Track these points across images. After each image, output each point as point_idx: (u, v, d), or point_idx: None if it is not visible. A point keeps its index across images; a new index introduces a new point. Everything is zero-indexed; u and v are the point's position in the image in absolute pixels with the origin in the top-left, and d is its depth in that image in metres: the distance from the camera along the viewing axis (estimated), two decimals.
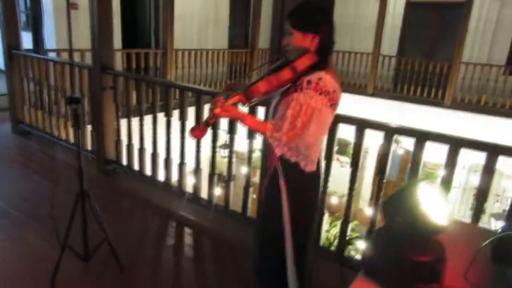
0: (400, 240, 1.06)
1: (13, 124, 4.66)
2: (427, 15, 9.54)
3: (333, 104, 1.50)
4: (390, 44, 9.82)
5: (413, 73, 8.66)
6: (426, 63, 8.53)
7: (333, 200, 8.12)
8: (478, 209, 2.05)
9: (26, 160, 4.00)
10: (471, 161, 6.95)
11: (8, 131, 4.74)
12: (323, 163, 1.85)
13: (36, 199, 3.15)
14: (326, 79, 1.46)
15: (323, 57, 1.51)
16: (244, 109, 1.59)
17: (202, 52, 7.52)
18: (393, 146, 7.84)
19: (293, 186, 1.59)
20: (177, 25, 7.36)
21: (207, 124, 1.58)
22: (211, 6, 9.09)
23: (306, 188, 1.62)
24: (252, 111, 2.41)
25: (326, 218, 7.71)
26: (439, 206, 1.06)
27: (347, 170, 2.50)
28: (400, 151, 8.70)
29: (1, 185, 3.37)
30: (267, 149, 1.69)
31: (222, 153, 7.65)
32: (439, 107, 8.08)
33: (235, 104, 1.53)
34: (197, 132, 1.58)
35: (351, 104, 8.70)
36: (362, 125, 2.30)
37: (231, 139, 2.86)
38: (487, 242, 1.08)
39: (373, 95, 8.95)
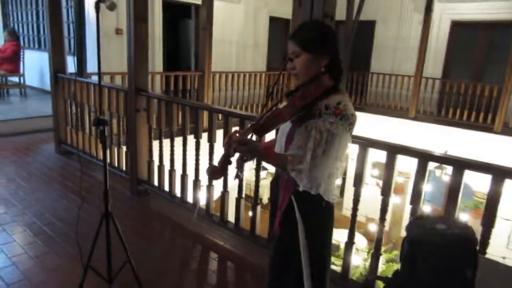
0: None
1: (57, 144, 4.89)
2: (474, 35, 9.12)
3: (352, 128, 1.41)
4: (434, 66, 9.45)
5: (459, 96, 8.23)
6: (473, 86, 8.10)
7: (372, 228, 7.77)
8: None
9: (66, 180, 4.15)
10: None
11: (52, 151, 4.98)
12: (348, 190, 1.73)
13: (70, 219, 3.23)
14: (345, 102, 1.37)
15: (337, 79, 1.43)
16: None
17: (239, 75, 7.61)
18: (437, 173, 7.40)
19: (310, 219, 1.47)
20: (217, 49, 7.55)
21: (223, 163, 1.43)
22: (250, 29, 9.27)
23: (323, 220, 1.52)
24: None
25: (365, 245, 7.35)
26: None
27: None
28: (446, 178, 8.23)
29: (40, 204, 3.49)
30: (278, 181, 1.59)
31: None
32: (488, 132, 7.58)
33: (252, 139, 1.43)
34: (217, 173, 1.45)
35: (392, 128, 8.46)
36: (393, 150, 2.16)
37: (259, 161, 2.80)
38: None
39: (415, 118, 8.60)
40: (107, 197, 2.23)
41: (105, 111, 4.07)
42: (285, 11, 9.34)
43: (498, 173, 1.86)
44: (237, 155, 1.43)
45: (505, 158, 6.42)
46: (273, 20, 9.88)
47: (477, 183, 6.79)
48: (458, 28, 9.32)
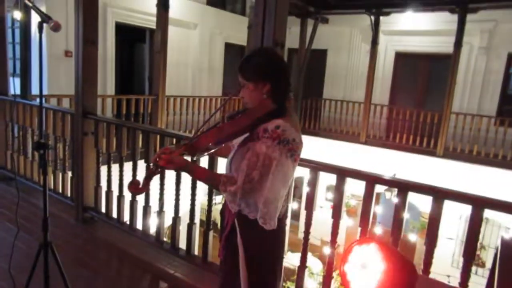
0: None
1: None
2: (416, 65, 9.81)
3: (294, 154, 1.38)
4: (382, 93, 10.00)
5: (405, 122, 8.73)
6: (417, 112, 8.63)
7: (327, 251, 7.84)
8: (466, 268, 1.91)
9: (3, 208, 3.84)
10: (466, 212, 6.82)
11: None
12: (287, 220, 1.71)
13: (5, 250, 2.97)
14: (285, 127, 1.36)
15: (280, 104, 1.44)
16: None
17: (194, 99, 7.59)
18: (387, 195, 7.67)
19: (252, 245, 1.44)
20: (172, 72, 7.51)
21: (149, 178, 1.44)
22: (205, 55, 9.35)
23: (265, 247, 1.47)
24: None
25: (320, 269, 7.35)
26: None
27: (342, 219, 2.37)
28: (395, 200, 8.55)
29: None
30: (224, 203, 1.56)
31: (213, 200, 7.48)
32: (431, 156, 8.06)
33: (182, 155, 1.43)
34: (136, 188, 1.45)
35: (344, 152, 8.73)
36: (342, 173, 2.21)
37: (211, 190, 2.75)
38: None
39: (366, 142, 8.97)
40: (46, 225, 2.09)
41: (49, 135, 3.87)
42: (240, 38, 9.57)
43: (438, 195, 1.95)
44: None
45: (447, 179, 6.81)
46: (229, 46, 10.05)
47: (424, 204, 7.13)
48: (402, 58, 9.98)
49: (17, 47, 7.37)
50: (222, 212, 1.61)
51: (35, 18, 5.01)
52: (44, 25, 1.92)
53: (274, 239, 1.48)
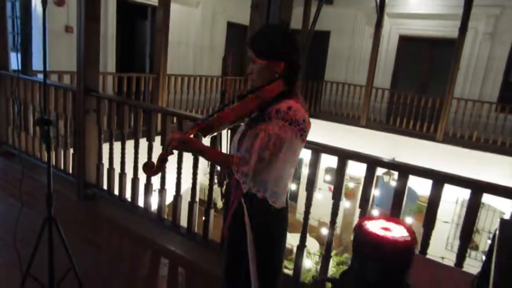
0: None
1: None
2: (420, 50, 9.72)
3: (303, 134, 1.40)
4: (384, 77, 9.95)
5: (406, 106, 8.71)
6: (418, 97, 8.60)
7: (324, 232, 7.97)
8: (462, 250, 1.95)
9: (6, 183, 3.89)
10: (463, 196, 6.89)
11: None
12: (302, 194, 1.74)
13: (9, 225, 3.01)
14: (296, 108, 1.37)
15: (290, 85, 1.44)
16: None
17: (195, 78, 7.54)
18: (386, 178, 7.72)
19: (259, 224, 1.46)
20: (173, 51, 7.43)
21: (163, 159, 1.42)
22: (207, 34, 9.24)
23: (274, 226, 1.50)
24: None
25: (317, 249, 7.48)
26: None
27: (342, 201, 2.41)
28: (394, 183, 8.63)
29: None
30: (229, 183, 1.58)
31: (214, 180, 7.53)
32: (431, 141, 8.07)
33: (195, 136, 1.43)
34: (151, 170, 1.44)
35: (344, 135, 8.75)
36: (343, 155, 2.23)
37: (212, 165, 2.78)
38: None
39: (366, 126, 8.97)
40: (50, 200, 2.11)
41: (51, 112, 3.87)
42: (243, 17, 9.40)
43: (438, 178, 1.98)
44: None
45: (446, 164, 6.86)
46: (231, 26, 9.91)
47: (422, 188, 7.20)
48: (406, 42, 9.88)
49: (17, 22, 7.27)
50: (227, 192, 1.64)
51: None
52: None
53: (282, 217, 1.51)
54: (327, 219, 2.37)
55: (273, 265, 1.55)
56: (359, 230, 1.05)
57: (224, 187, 1.50)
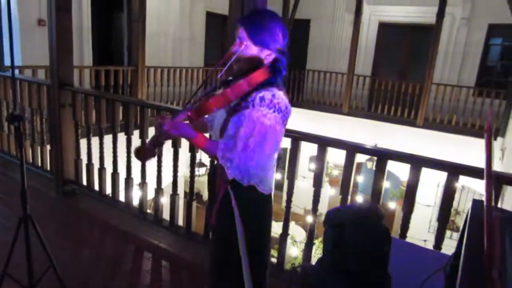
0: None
1: None
2: (399, 37, 9.81)
3: (285, 121, 1.42)
4: (365, 64, 10.01)
5: (387, 93, 8.80)
6: (399, 83, 8.69)
7: (309, 219, 8.03)
8: (441, 231, 1.99)
9: None
10: (444, 180, 7.04)
11: None
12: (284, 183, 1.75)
13: None
14: (279, 95, 1.38)
15: (277, 75, 1.43)
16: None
17: (175, 70, 7.43)
18: (369, 165, 7.80)
19: (247, 210, 1.46)
20: (151, 43, 7.30)
21: (154, 143, 1.45)
22: (186, 24, 9.09)
23: (260, 211, 1.51)
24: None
25: (304, 237, 7.53)
26: None
27: (324, 188, 2.42)
28: None
29: None
30: (215, 171, 1.57)
31: (196, 172, 7.49)
32: (412, 126, 8.20)
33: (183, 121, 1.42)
34: (143, 153, 1.47)
35: (327, 123, 8.79)
36: (323, 143, 2.23)
37: (193, 156, 2.75)
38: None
39: (348, 114, 9.04)
40: (25, 198, 2.06)
41: (25, 107, 3.76)
42: (222, 7, 9.29)
43: (416, 162, 2.00)
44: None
45: (427, 148, 6.98)
46: (210, 16, 9.78)
47: (405, 173, 7.31)
48: (385, 29, 9.94)
49: None
50: (211, 181, 1.62)
51: None
52: None
53: (268, 203, 1.52)
54: (309, 206, 2.38)
55: (261, 248, 1.55)
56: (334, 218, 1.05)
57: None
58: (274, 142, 1.41)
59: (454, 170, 1.91)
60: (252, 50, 1.40)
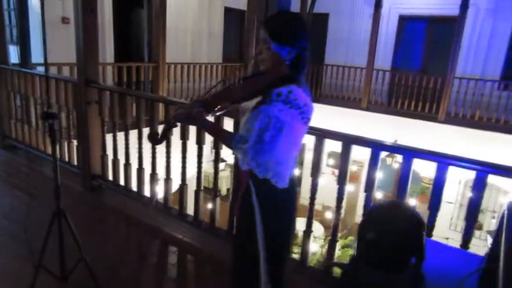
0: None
1: (0, 138, 4.58)
2: (419, 29, 9.61)
3: (305, 118, 1.43)
4: (384, 58, 9.86)
5: (407, 87, 8.66)
6: (419, 77, 8.54)
7: (329, 215, 8.02)
8: (468, 231, 1.97)
9: (11, 176, 3.91)
10: (467, 176, 6.92)
11: None
12: (305, 179, 1.77)
13: (15, 216, 3.05)
14: (297, 91, 1.40)
15: (297, 71, 1.46)
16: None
17: (195, 66, 7.49)
18: (388, 161, 7.74)
19: (266, 205, 1.50)
20: (171, 38, 7.36)
21: (167, 129, 1.53)
22: (204, 19, 9.13)
23: (279, 206, 1.53)
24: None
25: (322, 232, 7.54)
26: None
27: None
28: (396, 166, 8.65)
29: None
30: (237, 166, 1.61)
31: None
32: (433, 122, 8.06)
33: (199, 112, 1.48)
34: (156, 138, 1.56)
35: (345, 118, 8.73)
36: (348, 141, 2.23)
37: (217, 153, 2.79)
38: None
39: (367, 109, 8.94)
40: (58, 193, 2.14)
41: (52, 104, 3.86)
42: (240, 1, 9.29)
43: (443, 161, 1.98)
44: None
45: (449, 144, 6.87)
46: (228, 11, 9.79)
47: (424, 169, 7.23)
48: (405, 22, 9.76)
49: (12, 14, 7.19)
50: (236, 173, 1.67)
51: None
52: None
53: (287, 198, 1.54)
54: (330, 203, 2.39)
55: (280, 243, 1.58)
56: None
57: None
58: (291, 138, 1.43)
59: (485, 168, 1.88)
60: (275, 48, 1.44)
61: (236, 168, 1.72)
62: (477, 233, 7.30)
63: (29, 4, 4.35)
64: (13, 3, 5.53)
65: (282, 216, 1.56)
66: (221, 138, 1.51)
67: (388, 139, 2.36)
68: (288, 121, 1.38)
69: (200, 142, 2.77)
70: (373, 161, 2.19)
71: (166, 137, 1.54)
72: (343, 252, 5.84)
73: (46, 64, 2.04)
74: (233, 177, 1.74)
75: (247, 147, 1.40)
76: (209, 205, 2.94)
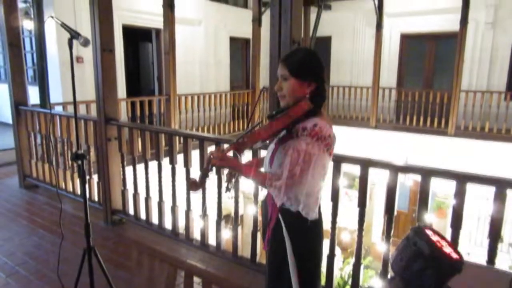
0: None
1: (21, 178, 4.70)
2: (422, 46, 9.76)
3: (329, 149, 1.50)
4: (389, 76, 9.98)
5: (414, 103, 8.72)
6: (425, 93, 8.62)
7: (344, 236, 7.95)
8: (493, 248, 1.99)
9: (33, 215, 4.00)
10: (484, 191, 6.86)
11: (16, 186, 4.78)
12: (329, 205, 1.82)
13: (42, 256, 3.12)
14: (322, 124, 1.46)
15: (318, 104, 1.53)
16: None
17: (204, 96, 7.66)
18: (401, 178, 7.73)
19: (297, 237, 1.55)
20: (180, 70, 7.56)
21: (204, 175, 1.57)
22: (211, 50, 9.38)
23: (310, 237, 1.58)
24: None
25: (339, 255, 7.46)
26: None
27: (356, 204, 2.46)
28: (409, 182, 8.60)
29: (7, 242, 3.35)
30: (267, 200, 1.67)
31: (229, 195, 7.60)
32: (443, 136, 8.07)
33: (232, 155, 1.54)
34: (194, 186, 1.59)
35: (355, 138, 8.76)
36: (366, 164, 2.29)
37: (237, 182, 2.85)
38: None
39: (376, 127, 8.99)
40: (88, 231, 2.21)
41: (73, 142, 3.99)
42: (244, 30, 9.56)
43: (462, 179, 2.02)
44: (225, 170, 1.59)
45: (461, 158, 6.85)
46: (233, 40, 10.07)
47: (438, 184, 7.17)
48: (408, 40, 9.92)
49: (28, 56, 7.48)
50: (264, 206, 1.72)
51: (48, 27, 5.07)
52: (74, 40, 2.02)
53: (317, 228, 1.60)
54: (345, 223, 2.42)
55: (312, 276, 1.61)
56: (419, 237, 1.09)
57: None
58: (319, 169, 1.48)
59: (503, 184, 1.92)
60: (294, 84, 1.51)
61: (264, 201, 1.76)
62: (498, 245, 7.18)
63: (48, 48, 4.56)
64: (33, 46, 5.77)
65: (313, 246, 1.60)
66: (255, 178, 1.56)
67: (399, 156, 2.40)
68: (315, 153, 1.44)
69: (220, 174, 2.84)
70: (392, 183, 2.24)
71: (205, 182, 1.60)
72: (365, 272, 5.77)
73: (75, 107, 2.16)
74: (262, 211, 1.79)
75: (280, 183, 1.45)
76: (228, 234, 2.97)
